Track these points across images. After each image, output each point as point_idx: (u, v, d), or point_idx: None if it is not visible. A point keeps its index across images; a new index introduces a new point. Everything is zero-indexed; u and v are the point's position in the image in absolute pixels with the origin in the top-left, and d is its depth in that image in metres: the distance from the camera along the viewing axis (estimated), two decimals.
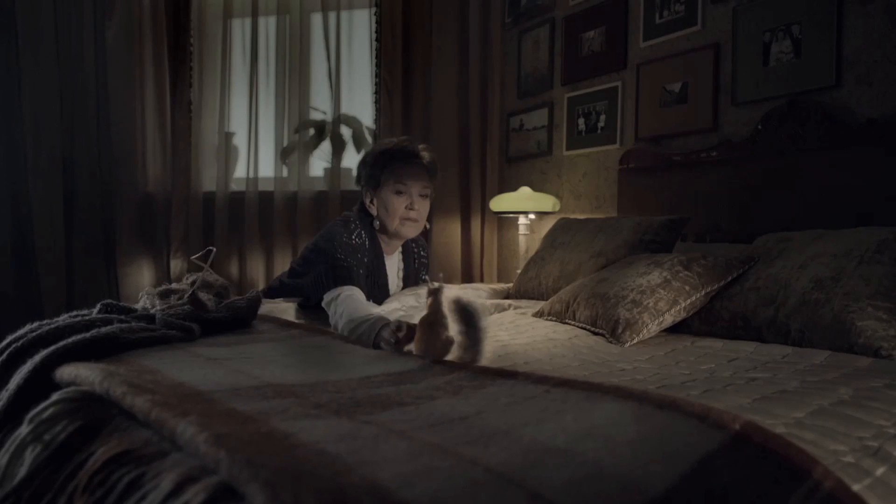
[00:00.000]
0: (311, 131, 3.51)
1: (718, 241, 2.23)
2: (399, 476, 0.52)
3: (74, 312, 1.29)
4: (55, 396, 0.87)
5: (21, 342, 1.11)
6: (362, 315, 1.49)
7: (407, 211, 1.90)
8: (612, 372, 1.22)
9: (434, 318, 1.11)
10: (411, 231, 1.95)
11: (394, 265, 2.05)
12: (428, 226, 2.10)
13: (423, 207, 1.94)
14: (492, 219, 3.49)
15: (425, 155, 1.96)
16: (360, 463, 0.55)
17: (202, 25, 3.46)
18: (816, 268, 1.50)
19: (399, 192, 1.89)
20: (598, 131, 2.91)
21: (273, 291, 1.98)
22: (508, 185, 3.39)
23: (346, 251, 1.81)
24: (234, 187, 3.52)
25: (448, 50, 3.43)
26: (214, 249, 1.61)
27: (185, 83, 3.41)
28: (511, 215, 3.08)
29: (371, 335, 1.38)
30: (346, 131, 3.53)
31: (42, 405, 0.86)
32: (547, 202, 2.86)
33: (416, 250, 2.11)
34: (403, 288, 2.04)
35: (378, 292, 1.92)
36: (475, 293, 1.95)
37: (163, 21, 3.35)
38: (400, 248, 2.06)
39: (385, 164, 1.90)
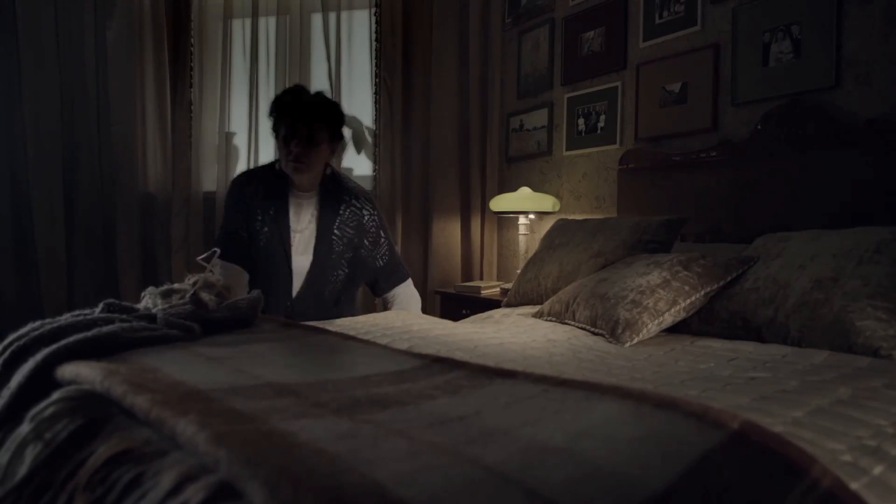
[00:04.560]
0: None
1: (718, 242, 2.23)
2: (398, 475, 0.53)
3: (77, 311, 1.29)
4: (56, 395, 0.87)
5: (22, 341, 1.11)
6: None
7: (289, 155, 1.98)
8: (610, 371, 1.22)
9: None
10: (294, 172, 2.02)
11: (308, 204, 2.12)
12: (330, 170, 2.16)
13: (310, 152, 1.99)
14: (492, 219, 3.50)
15: (310, 100, 2.01)
16: (359, 462, 0.55)
17: (202, 26, 3.46)
18: (816, 268, 1.50)
19: (286, 138, 1.98)
20: (598, 131, 2.92)
21: None
22: (508, 185, 3.40)
23: (236, 185, 2.08)
24: None
25: (448, 50, 3.43)
26: (219, 250, 1.62)
27: (186, 83, 3.42)
28: (511, 215, 3.08)
29: None
30: (345, 131, 3.53)
31: (43, 404, 0.86)
32: (547, 202, 2.86)
33: (347, 199, 2.15)
34: (317, 228, 2.11)
35: (277, 221, 2.06)
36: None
37: (163, 21, 3.35)
38: (317, 193, 2.12)
39: (278, 114, 2.00)
